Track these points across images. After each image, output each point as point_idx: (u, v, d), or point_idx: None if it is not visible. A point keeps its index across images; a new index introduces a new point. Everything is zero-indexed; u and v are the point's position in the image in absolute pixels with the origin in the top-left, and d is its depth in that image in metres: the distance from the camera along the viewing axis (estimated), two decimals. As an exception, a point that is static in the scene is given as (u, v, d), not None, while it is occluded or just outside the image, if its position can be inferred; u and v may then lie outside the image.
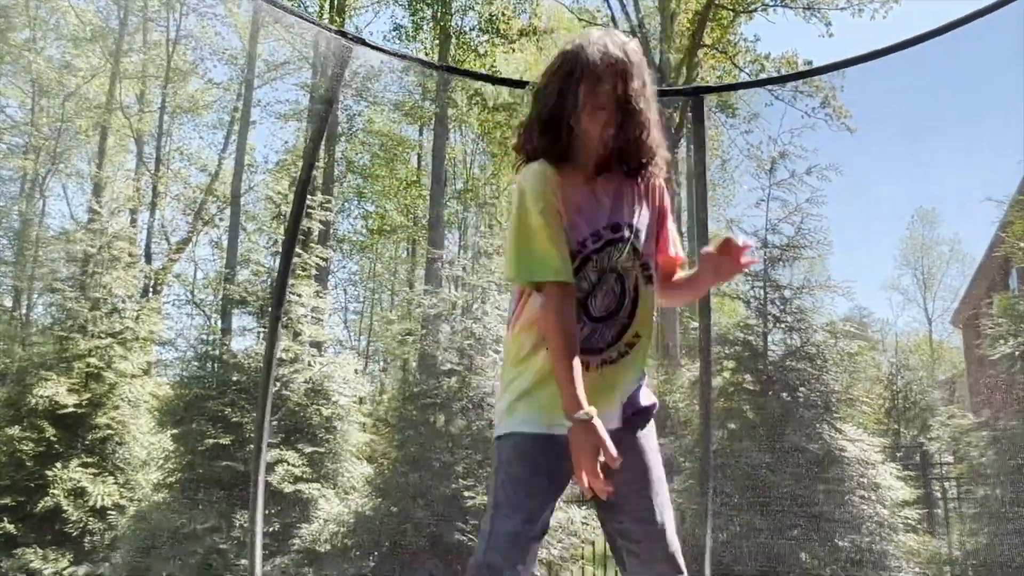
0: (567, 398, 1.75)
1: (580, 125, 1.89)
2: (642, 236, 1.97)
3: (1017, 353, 6.83)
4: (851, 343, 7.60)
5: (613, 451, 1.70)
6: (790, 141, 8.11)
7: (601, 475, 1.71)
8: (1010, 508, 6.59)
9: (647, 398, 2.02)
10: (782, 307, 7.72)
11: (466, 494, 7.42)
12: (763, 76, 16.26)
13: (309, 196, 11.04)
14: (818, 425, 7.01)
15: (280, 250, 8.33)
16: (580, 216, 1.90)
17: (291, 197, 4.28)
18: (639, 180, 1.99)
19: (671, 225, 2.09)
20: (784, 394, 7.34)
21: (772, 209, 7.89)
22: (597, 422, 1.72)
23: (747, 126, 18.40)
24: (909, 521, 6.91)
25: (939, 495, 8.21)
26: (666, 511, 1.94)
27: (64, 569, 7.91)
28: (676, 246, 2.12)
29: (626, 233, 1.93)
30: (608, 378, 1.90)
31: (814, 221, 7.79)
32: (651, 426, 2.02)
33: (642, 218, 1.98)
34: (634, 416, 1.97)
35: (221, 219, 22.52)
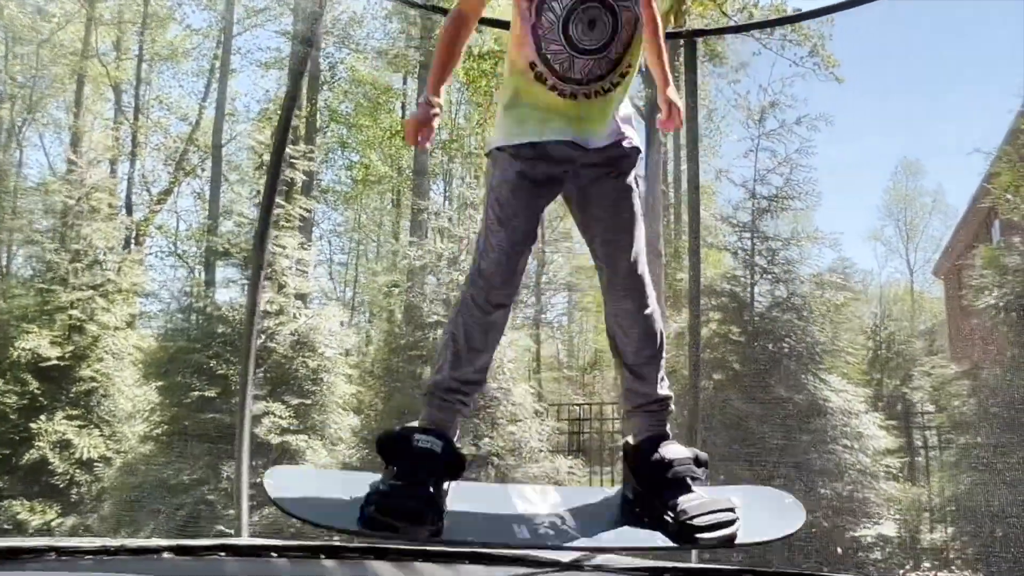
0: (429, 81, 1.98)
1: None
2: None
3: (1001, 304, 6.86)
4: (837, 294, 7.62)
5: (429, 130, 1.93)
6: (780, 90, 8.01)
7: (419, 137, 1.94)
8: (990, 456, 6.69)
9: (631, 136, 2.08)
10: (769, 258, 7.71)
11: (453, 445, 7.46)
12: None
13: (291, 146, 10.87)
14: (803, 376, 7.06)
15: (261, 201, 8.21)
16: None
17: (273, 144, 4.19)
18: None
19: None
20: (769, 345, 7.37)
21: (761, 160, 7.84)
22: (436, 113, 1.94)
23: (735, 75, 18.20)
24: (891, 469, 7.01)
25: (920, 444, 8.33)
26: (625, 252, 2.03)
27: (51, 521, 7.93)
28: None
29: None
30: (594, 108, 1.98)
31: (803, 172, 7.75)
32: (631, 174, 2.10)
33: None
34: (619, 159, 2.05)
35: (203, 169, 22.21)
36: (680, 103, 2.24)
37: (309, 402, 8.32)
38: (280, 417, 7.91)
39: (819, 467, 6.71)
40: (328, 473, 2.86)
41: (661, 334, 2.10)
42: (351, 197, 24.12)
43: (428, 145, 1.99)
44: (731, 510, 1.92)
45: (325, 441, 8.34)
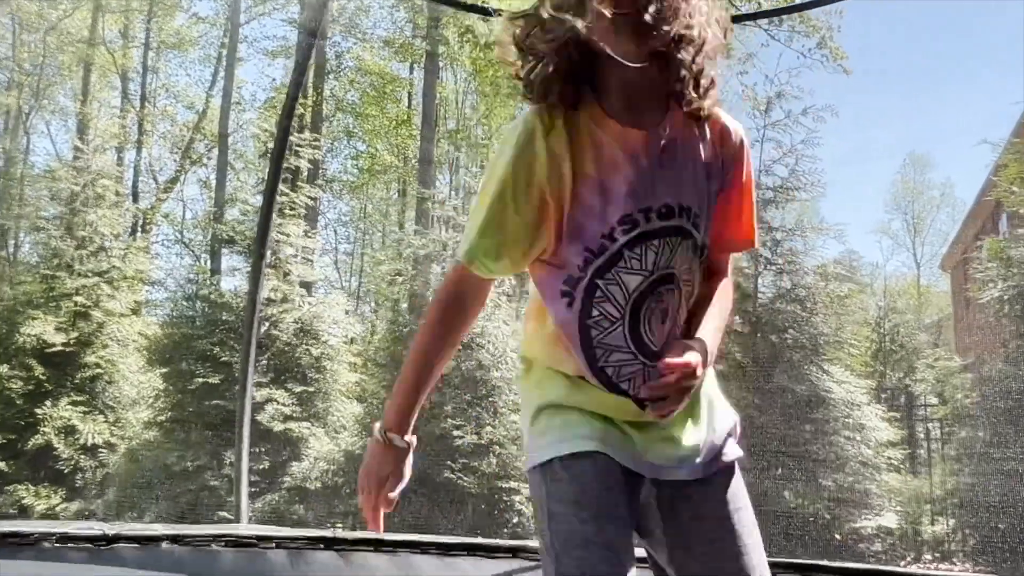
0: (391, 406, 1.28)
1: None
2: (703, 225, 1.27)
3: (1006, 297, 6.84)
4: (841, 286, 7.61)
5: (393, 496, 1.28)
6: (787, 81, 7.97)
7: (379, 510, 1.29)
8: (992, 449, 6.68)
9: (731, 447, 1.35)
10: (773, 249, 7.69)
11: (455, 433, 7.48)
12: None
13: (297, 135, 10.88)
14: (806, 367, 7.05)
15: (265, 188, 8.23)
16: (600, 194, 1.21)
17: (277, 132, 4.19)
18: (695, 125, 1.26)
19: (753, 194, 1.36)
20: (773, 336, 7.36)
21: (766, 150, 7.81)
22: (404, 458, 1.29)
23: (742, 67, 18.13)
24: (892, 461, 7.02)
25: (922, 436, 8.32)
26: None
27: (56, 505, 7.99)
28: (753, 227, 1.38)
29: (681, 221, 1.24)
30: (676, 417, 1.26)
31: (808, 163, 7.72)
32: (738, 481, 1.35)
33: (709, 195, 1.27)
34: (715, 472, 1.32)
35: (209, 158, 22.20)
36: (694, 360, 1.20)
37: (312, 390, 8.35)
38: (283, 405, 7.94)
39: (821, 458, 6.72)
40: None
41: None
42: (357, 186, 24.11)
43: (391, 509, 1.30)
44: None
45: (328, 429, 8.38)
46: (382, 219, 26.30)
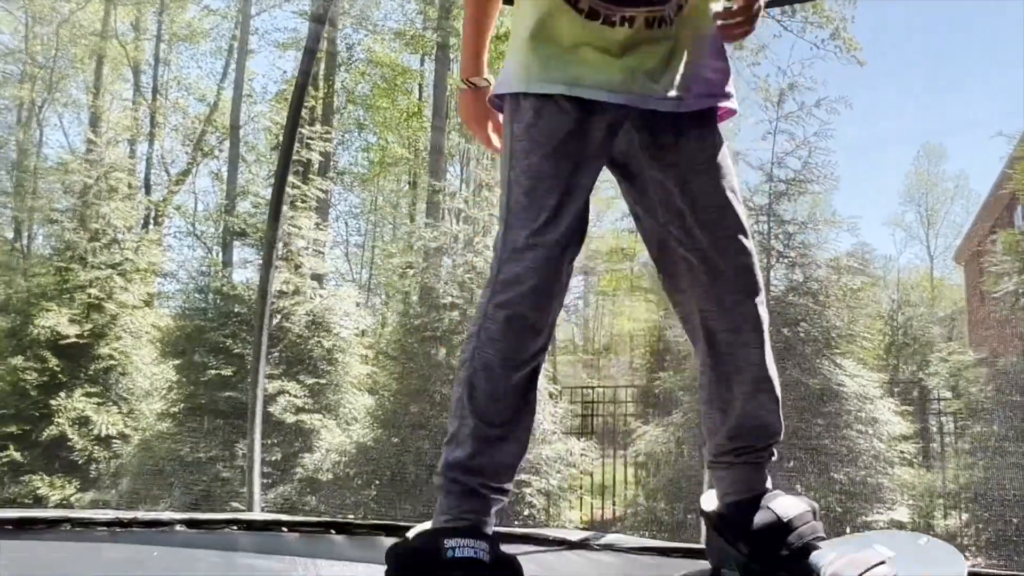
0: (462, 61, 1.54)
1: None
2: None
3: (1021, 291, 6.79)
4: (854, 279, 7.56)
5: (492, 118, 1.48)
6: (800, 72, 7.92)
7: (491, 142, 1.50)
8: (1007, 443, 6.64)
9: (719, 84, 1.42)
10: (785, 242, 7.65)
11: (466, 426, 7.49)
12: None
13: (308, 127, 10.88)
14: (818, 360, 7.02)
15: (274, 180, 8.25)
16: None
17: (286, 124, 4.19)
18: None
19: None
20: (785, 329, 7.32)
21: (779, 142, 7.77)
22: (483, 93, 1.49)
23: (754, 58, 18.02)
24: (905, 455, 6.98)
25: (936, 430, 8.28)
26: (742, 225, 1.41)
27: (71, 495, 8.05)
28: None
29: None
30: (658, 45, 1.33)
31: (821, 155, 7.67)
32: (718, 134, 1.43)
33: None
34: (699, 126, 1.39)
35: (220, 150, 22.28)
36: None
37: (324, 382, 8.38)
38: (295, 396, 7.97)
39: (833, 451, 6.69)
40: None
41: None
42: (367, 179, 24.14)
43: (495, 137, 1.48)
44: (883, 563, 1.32)
45: (339, 420, 8.41)
46: (393, 211, 26.32)
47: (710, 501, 1.49)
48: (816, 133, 7.66)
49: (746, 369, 1.43)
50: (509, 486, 1.33)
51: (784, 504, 1.39)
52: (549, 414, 7.93)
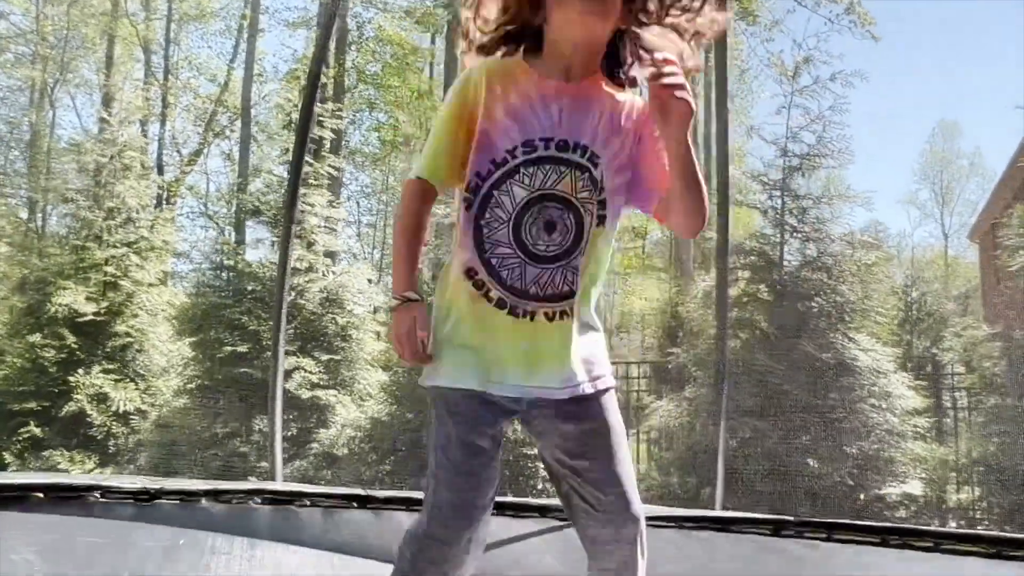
0: (395, 277, 1.61)
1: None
2: (602, 166, 1.57)
3: (1036, 264, 6.76)
4: (868, 254, 7.54)
5: (422, 336, 1.56)
6: (815, 46, 7.85)
7: (419, 352, 1.57)
8: (1020, 417, 6.64)
9: (605, 368, 1.66)
10: (799, 217, 7.62)
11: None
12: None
13: (319, 105, 10.88)
14: (831, 335, 7.02)
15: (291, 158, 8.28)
16: (513, 121, 1.55)
17: (302, 100, 4.20)
18: (622, 99, 1.59)
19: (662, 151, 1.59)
20: (798, 304, 7.32)
21: (793, 117, 7.72)
22: (420, 309, 1.57)
23: (768, 34, 17.88)
24: (918, 429, 6.98)
25: (949, 404, 8.27)
26: (629, 482, 1.63)
27: (91, 470, 8.17)
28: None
29: (575, 156, 1.55)
30: (553, 338, 1.57)
31: (836, 130, 7.62)
32: (612, 401, 1.65)
33: (610, 146, 1.58)
34: (596, 391, 1.62)
35: (232, 130, 22.31)
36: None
37: (338, 358, 8.44)
38: (310, 372, 8.04)
39: (846, 426, 6.71)
40: None
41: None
42: (379, 158, 24.13)
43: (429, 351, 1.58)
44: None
45: (354, 396, 8.48)
46: (404, 190, 26.29)
47: None
48: (831, 107, 7.61)
49: None
50: None
51: None
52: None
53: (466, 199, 1.58)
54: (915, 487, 6.78)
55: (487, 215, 1.56)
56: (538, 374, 1.56)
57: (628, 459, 1.64)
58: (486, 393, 1.54)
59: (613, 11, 1.52)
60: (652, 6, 1.54)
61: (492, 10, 1.59)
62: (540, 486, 7.40)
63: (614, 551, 1.59)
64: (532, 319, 1.56)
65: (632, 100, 1.61)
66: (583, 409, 1.59)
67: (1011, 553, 2.18)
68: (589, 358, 1.62)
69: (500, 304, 1.56)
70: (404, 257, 1.61)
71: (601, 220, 1.59)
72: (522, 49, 1.61)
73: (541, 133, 1.55)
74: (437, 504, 1.53)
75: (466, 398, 1.55)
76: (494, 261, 1.56)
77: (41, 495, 2.64)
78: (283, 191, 8.94)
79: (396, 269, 1.62)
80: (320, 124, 10.00)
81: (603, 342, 1.68)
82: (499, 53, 1.62)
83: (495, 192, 1.56)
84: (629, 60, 1.57)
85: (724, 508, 4.33)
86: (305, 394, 7.95)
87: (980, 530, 6.41)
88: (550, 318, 1.57)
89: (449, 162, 1.59)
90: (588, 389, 1.60)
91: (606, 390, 1.63)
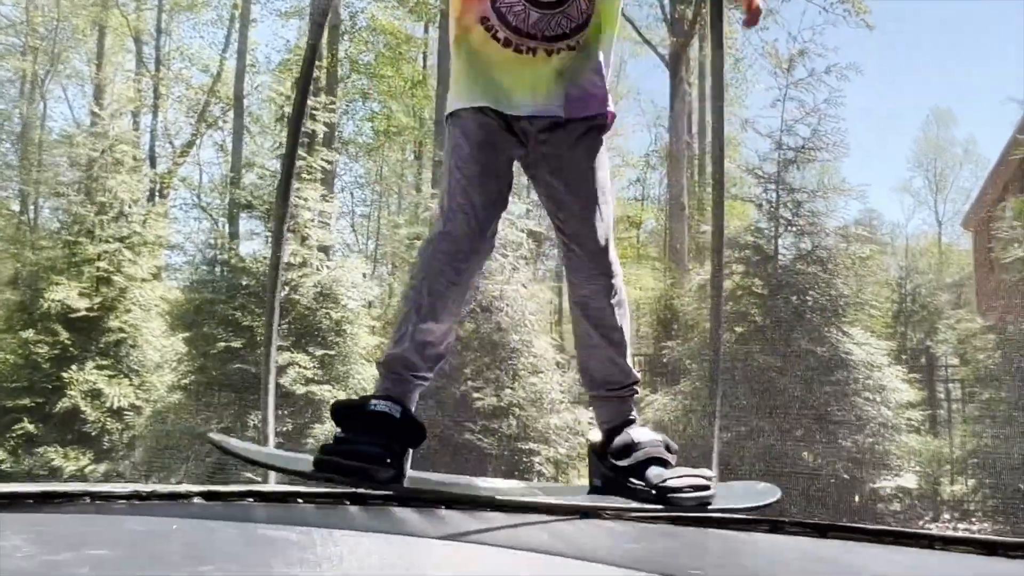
0: None
1: None
2: None
3: (1030, 257, 6.77)
4: (862, 247, 7.54)
5: None
6: (810, 39, 7.83)
7: None
8: (1013, 410, 6.66)
9: (599, 103, 1.88)
10: (794, 210, 7.62)
11: (475, 395, 7.54)
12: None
13: (313, 98, 10.81)
14: (826, 329, 7.03)
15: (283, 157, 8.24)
16: None
17: (295, 96, 4.15)
18: None
19: None
20: (793, 298, 7.33)
21: (788, 110, 7.70)
22: None
23: (763, 23, 17.83)
24: (912, 422, 7.01)
25: (943, 397, 8.30)
26: (604, 228, 1.87)
27: (85, 467, 8.15)
28: None
29: None
30: (557, 70, 1.81)
31: (831, 123, 7.61)
32: (602, 148, 1.91)
33: None
34: (584, 121, 1.87)
35: (225, 121, 22.21)
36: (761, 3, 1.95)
37: (333, 353, 8.42)
38: (304, 368, 8.02)
39: (840, 419, 6.72)
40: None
41: (629, 315, 1.92)
42: (373, 149, 24.04)
43: None
44: (707, 477, 1.80)
45: (349, 391, 8.46)
46: (399, 181, 26.26)
47: (595, 435, 1.95)
48: (826, 100, 7.60)
49: (601, 327, 1.86)
50: (431, 373, 1.85)
51: (638, 431, 1.84)
52: (556, 383, 7.97)
53: None
54: (909, 480, 6.82)
55: None
56: (538, 97, 1.79)
57: (608, 218, 1.88)
58: (498, 112, 1.79)
59: None
60: None
61: None
62: (535, 481, 7.42)
63: (595, 299, 1.85)
64: (534, 55, 1.79)
65: None
66: (577, 143, 1.85)
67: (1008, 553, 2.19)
68: (585, 91, 1.84)
69: (506, 43, 1.79)
70: None
71: None
72: None
73: None
74: (451, 208, 1.78)
75: (481, 116, 1.80)
76: (503, 8, 1.78)
77: (31, 503, 2.63)
78: (275, 184, 8.90)
79: None
80: (313, 118, 9.96)
81: (603, 84, 1.89)
82: None
83: None
84: None
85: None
86: (300, 389, 7.93)
87: (972, 534, 6.44)
88: (548, 53, 1.79)
89: None
90: (581, 113, 1.83)
91: (600, 127, 1.88)
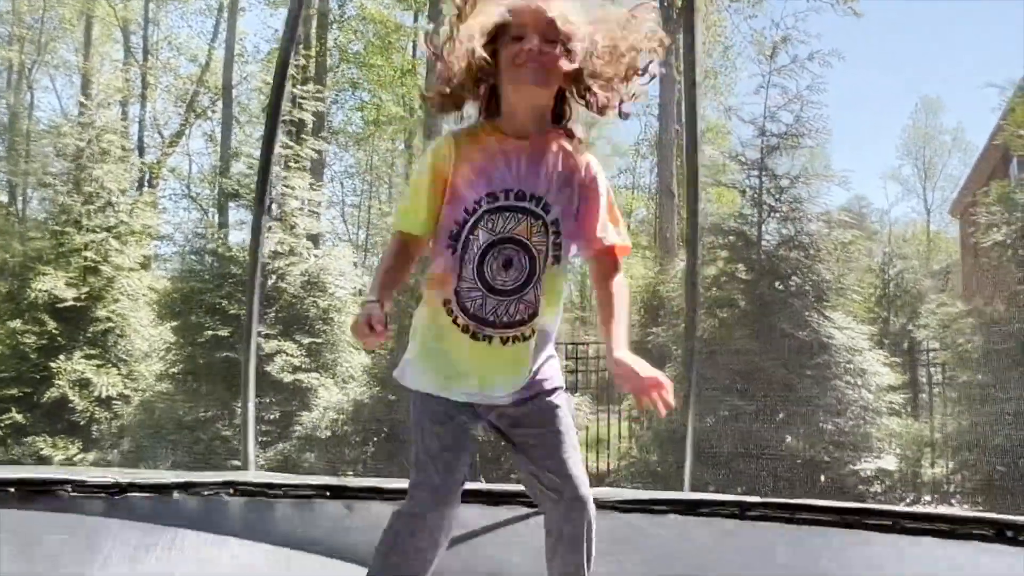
0: (370, 290, 1.84)
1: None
2: (554, 212, 1.85)
3: (1008, 241, 6.83)
4: (845, 232, 7.60)
5: (380, 320, 1.77)
6: (793, 25, 7.87)
7: (373, 334, 1.76)
8: (992, 392, 6.74)
9: (553, 381, 1.94)
10: (777, 196, 7.67)
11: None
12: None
13: (300, 87, 10.81)
14: (807, 313, 7.09)
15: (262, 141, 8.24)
16: (479, 176, 1.84)
17: (271, 92, 4.19)
18: (567, 153, 1.88)
19: (602, 208, 1.90)
20: (776, 283, 7.39)
21: (771, 96, 7.74)
22: (374, 308, 1.77)
23: (751, 10, 17.85)
24: (893, 405, 7.08)
25: (924, 380, 8.38)
26: (577, 468, 1.90)
27: (74, 456, 8.18)
28: (605, 231, 1.90)
29: (530, 205, 1.84)
30: (508, 357, 1.86)
31: (814, 109, 7.66)
32: (562, 399, 1.95)
33: (560, 195, 1.86)
34: (540, 395, 1.91)
35: (213, 111, 22.14)
36: (637, 367, 1.76)
37: (320, 341, 8.46)
38: (292, 356, 8.06)
39: (822, 403, 6.80)
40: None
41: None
42: (362, 138, 24.01)
43: (385, 335, 1.79)
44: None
45: (337, 379, 8.51)
46: (389, 171, 26.23)
47: None
48: (809, 87, 7.64)
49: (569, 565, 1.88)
50: None
51: None
52: (543, 370, 8.02)
53: (450, 245, 1.85)
54: (890, 462, 6.90)
55: (461, 254, 1.85)
56: (489, 386, 1.86)
57: (575, 449, 1.91)
58: (445, 398, 1.86)
59: (555, 82, 1.82)
60: (587, 79, 1.84)
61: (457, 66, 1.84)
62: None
63: (564, 530, 1.87)
64: (490, 342, 1.85)
65: (586, 158, 1.91)
66: (530, 409, 1.90)
67: (971, 532, 2.24)
68: (539, 374, 1.91)
69: (464, 329, 1.85)
70: (381, 283, 1.84)
71: (556, 259, 1.87)
72: (484, 112, 1.92)
73: (503, 185, 1.83)
74: (417, 484, 1.83)
75: (432, 398, 1.87)
76: (461, 293, 1.85)
77: (12, 490, 2.66)
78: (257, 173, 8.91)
79: (372, 287, 1.85)
80: (300, 106, 9.97)
81: (556, 363, 1.97)
82: (464, 107, 1.93)
83: (470, 236, 1.84)
84: (570, 115, 1.91)
85: (700, 487, 4.39)
86: (287, 377, 7.97)
87: (936, 509, 6.53)
88: (504, 342, 1.85)
89: (427, 216, 1.86)
90: (529, 394, 1.89)
91: (552, 391, 1.92)
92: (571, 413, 1.99)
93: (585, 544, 1.87)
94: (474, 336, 1.85)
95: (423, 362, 1.90)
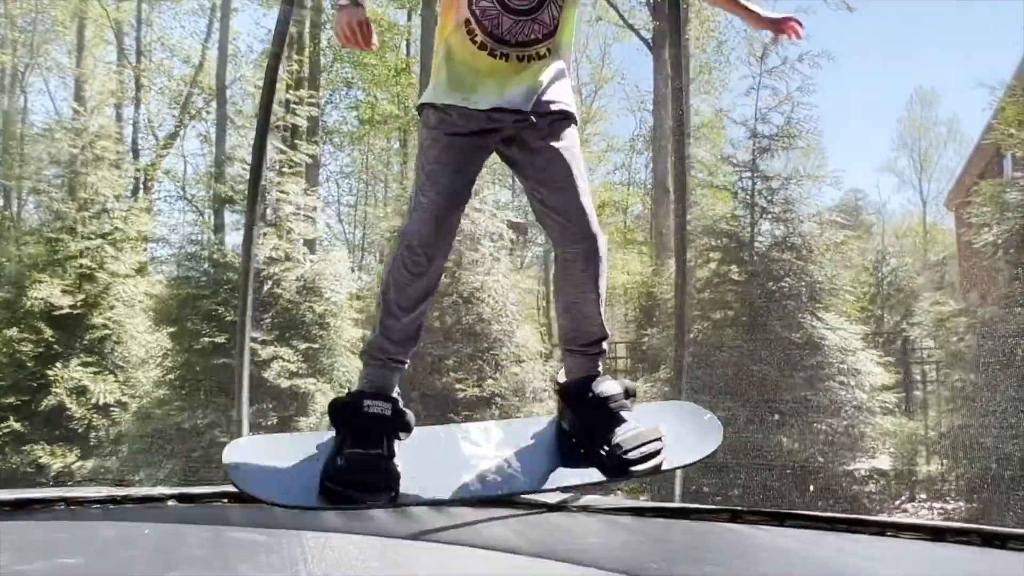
0: None
1: None
2: None
3: (999, 241, 6.87)
4: (837, 232, 7.64)
5: (361, 26, 1.95)
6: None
7: (358, 37, 1.97)
8: (986, 391, 6.77)
9: (566, 102, 2.06)
10: (769, 198, 7.70)
11: (457, 387, 7.62)
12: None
13: (293, 91, 10.80)
14: (800, 314, 7.13)
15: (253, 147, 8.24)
16: None
17: (260, 98, 4.20)
18: None
19: None
20: (769, 284, 7.42)
21: (762, 98, 7.78)
22: (362, 10, 1.97)
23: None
24: (887, 404, 7.12)
25: (918, 379, 8.42)
26: (583, 197, 2.03)
27: (72, 464, 8.20)
28: None
29: None
30: (525, 73, 1.98)
31: (804, 110, 7.69)
32: (571, 131, 2.07)
33: None
34: (551, 115, 2.04)
35: (208, 112, 22.07)
36: (771, 15, 2.29)
37: (317, 346, 8.48)
38: (288, 361, 8.07)
39: (815, 403, 6.84)
40: (284, 439, 2.92)
41: (606, 273, 2.10)
42: (357, 137, 23.97)
43: (375, 42, 2.01)
44: (659, 439, 2.04)
45: (334, 384, 8.52)
46: (385, 170, 26.19)
47: (562, 376, 2.18)
48: (799, 88, 7.68)
49: (581, 287, 2.04)
50: (406, 357, 2.08)
51: (605, 386, 2.07)
52: (539, 372, 8.05)
53: None
54: (884, 462, 6.94)
55: None
56: (508, 94, 1.97)
57: (583, 180, 2.05)
58: (467, 108, 1.96)
59: None
60: None
61: None
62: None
63: (577, 261, 2.02)
64: (507, 60, 1.97)
65: None
66: (547, 131, 2.01)
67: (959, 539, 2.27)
68: (553, 93, 2.02)
69: (482, 47, 1.96)
70: None
71: None
72: None
73: None
74: (413, 205, 1.98)
75: (449, 115, 1.98)
76: (479, 13, 1.95)
77: (7, 509, 2.68)
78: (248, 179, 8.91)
79: None
80: (294, 112, 9.96)
81: (568, 85, 2.08)
82: None
83: None
84: None
85: (693, 490, 4.43)
86: (284, 383, 7.99)
87: (924, 520, 6.56)
88: (520, 59, 1.98)
89: None
90: (549, 108, 2.01)
91: (566, 117, 2.05)
92: None
93: (596, 264, 2.02)
94: (492, 53, 1.95)
95: (445, 76, 2.00)
